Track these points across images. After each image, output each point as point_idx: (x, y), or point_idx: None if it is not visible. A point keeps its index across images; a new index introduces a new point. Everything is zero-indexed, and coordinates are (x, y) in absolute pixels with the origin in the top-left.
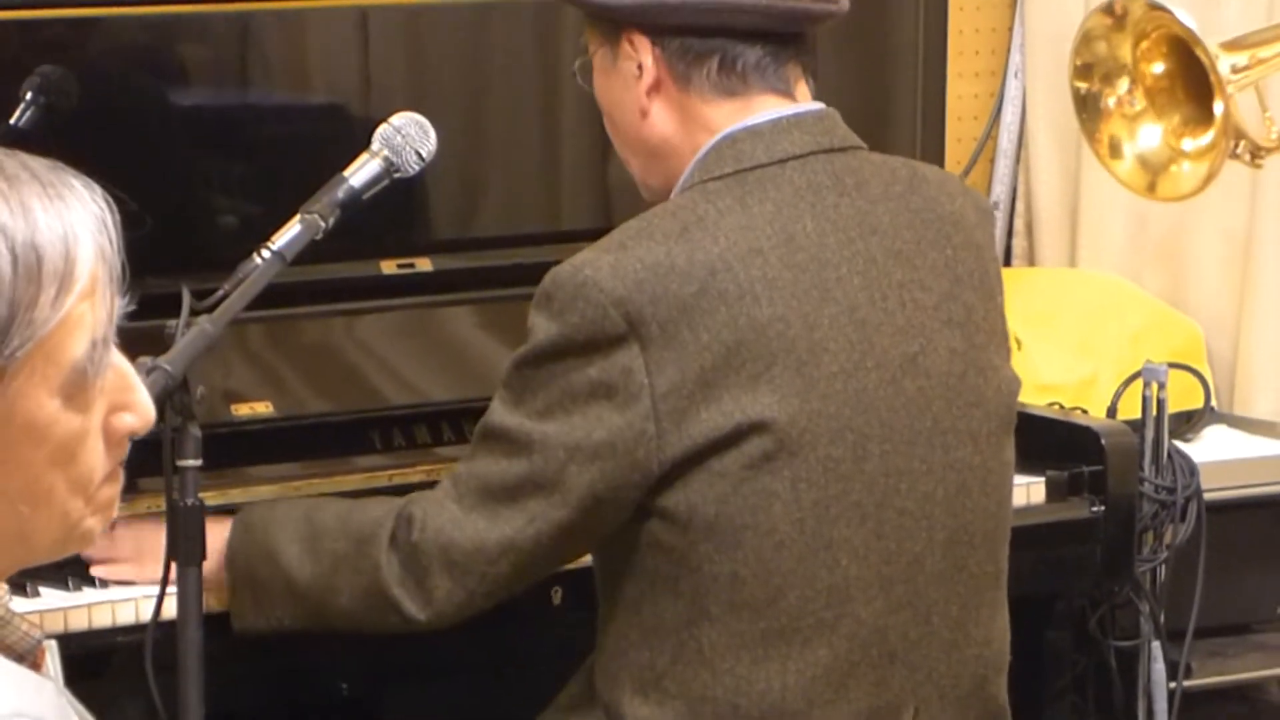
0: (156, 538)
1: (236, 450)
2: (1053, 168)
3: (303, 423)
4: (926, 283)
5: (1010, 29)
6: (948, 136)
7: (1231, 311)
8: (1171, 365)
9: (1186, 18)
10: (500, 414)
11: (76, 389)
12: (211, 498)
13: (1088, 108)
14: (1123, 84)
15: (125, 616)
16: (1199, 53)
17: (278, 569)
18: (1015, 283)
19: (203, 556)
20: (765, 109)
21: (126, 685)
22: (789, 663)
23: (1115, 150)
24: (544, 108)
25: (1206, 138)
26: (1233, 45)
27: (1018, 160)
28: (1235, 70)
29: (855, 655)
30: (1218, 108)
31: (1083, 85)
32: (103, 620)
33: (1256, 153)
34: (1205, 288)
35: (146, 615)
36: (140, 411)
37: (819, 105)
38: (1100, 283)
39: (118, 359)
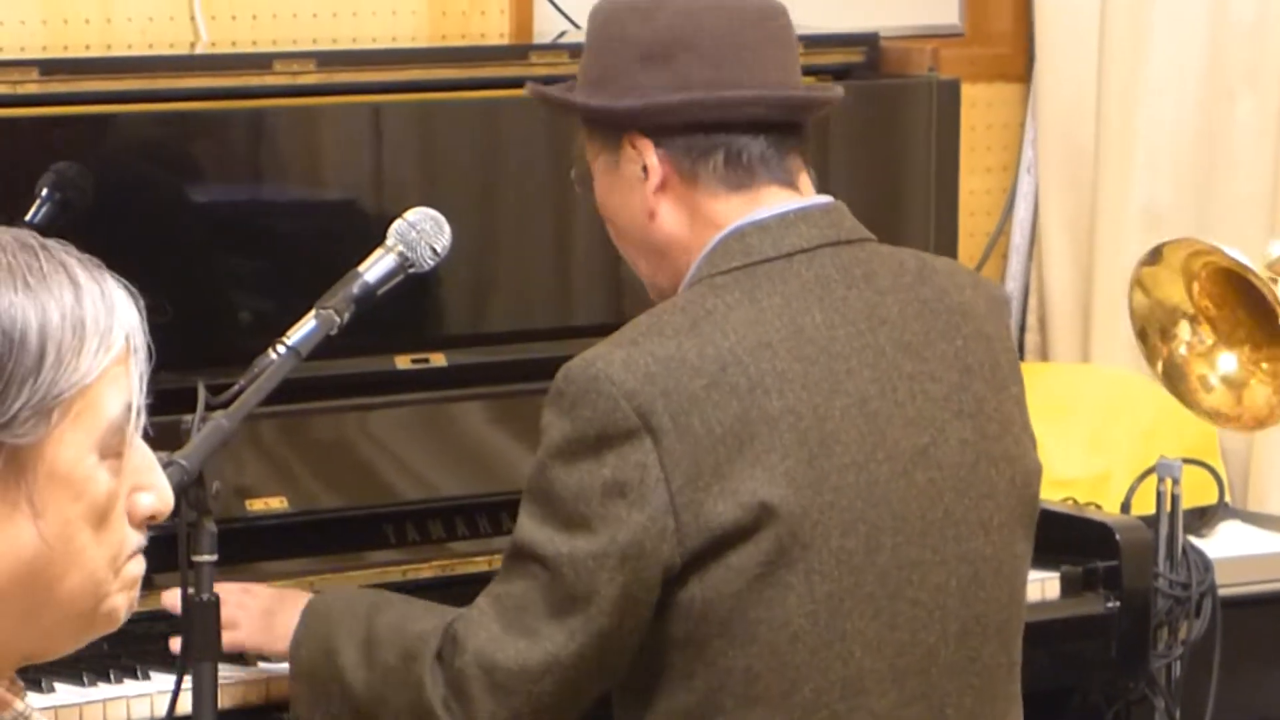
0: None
1: (251, 545)
2: (1065, 263)
3: (317, 518)
4: (936, 374)
5: (1022, 124)
6: (960, 231)
7: None
8: (1185, 461)
9: (1234, 252)
10: (529, 531)
11: (111, 450)
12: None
13: (1168, 373)
14: (1184, 328)
15: (140, 712)
16: (1254, 281)
17: (335, 669)
18: (1028, 378)
19: (217, 652)
20: (772, 201)
21: None
22: None
23: (1207, 387)
24: (555, 203)
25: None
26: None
27: (1030, 255)
28: None
29: None
30: None
31: (1154, 346)
32: (117, 715)
33: None
34: None
35: (161, 710)
36: (160, 494)
37: (826, 198)
38: (1114, 377)
39: (139, 442)
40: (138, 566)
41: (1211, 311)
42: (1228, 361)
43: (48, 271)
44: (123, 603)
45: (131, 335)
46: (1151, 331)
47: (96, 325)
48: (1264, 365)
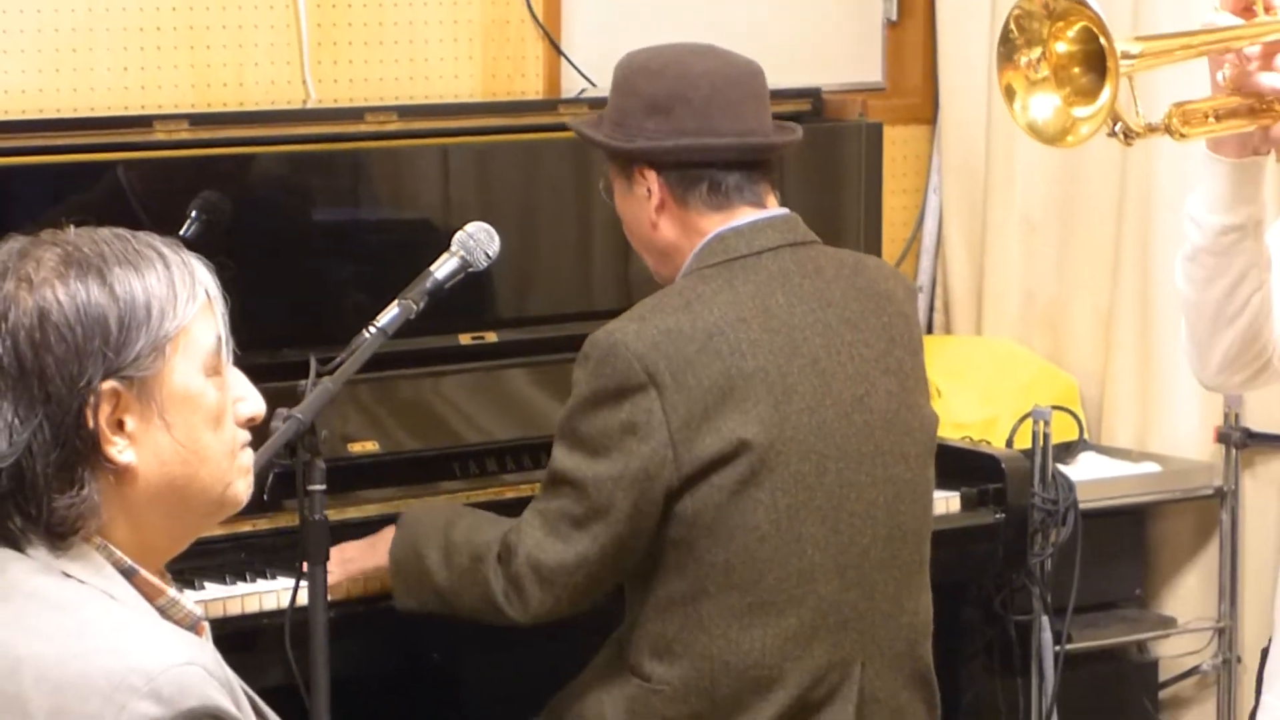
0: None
1: (351, 478)
2: (962, 261)
3: (400, 457)
4: (869, 342)
5: (930, 157)
6: (884, 238)
7: (1099, 367)
8: (1054, 407)
9: (1096, 5)
10: (561, 460)
11: (212, 369)
12: (333, 514)
13: (1006, 47)
14: (1035, 51)
15: (269, 604)
16: (1101, 36)
17: (423, 567)
18: (936, 347)
19: (326, 557)
20: (745, 215)
21: (269, 657)
22: (768, 629)
23: (1009, 94)
24: (579, 217)
25: (1092, 108)
26: (1139, 39)
27: (937, 255)
28: (1126, 56)
29: (817, 622)
30: (1105, 93)
31: (1012, 32)
32: (252, 607)
33: (1129, 134)
34: (1079, 349)
35: (284, 603)
36: (253, 400)
37: (785, 210)
38: (1000, 347)
39: (232, 367)
40: (248, 457)
41: (1055, 57)
42: (1042, 102)
43: (141, 250)
44: (242, 487)
45: (209, 288)
46: (1021, 37)
47: (185, 284)
48: (1074, 109)
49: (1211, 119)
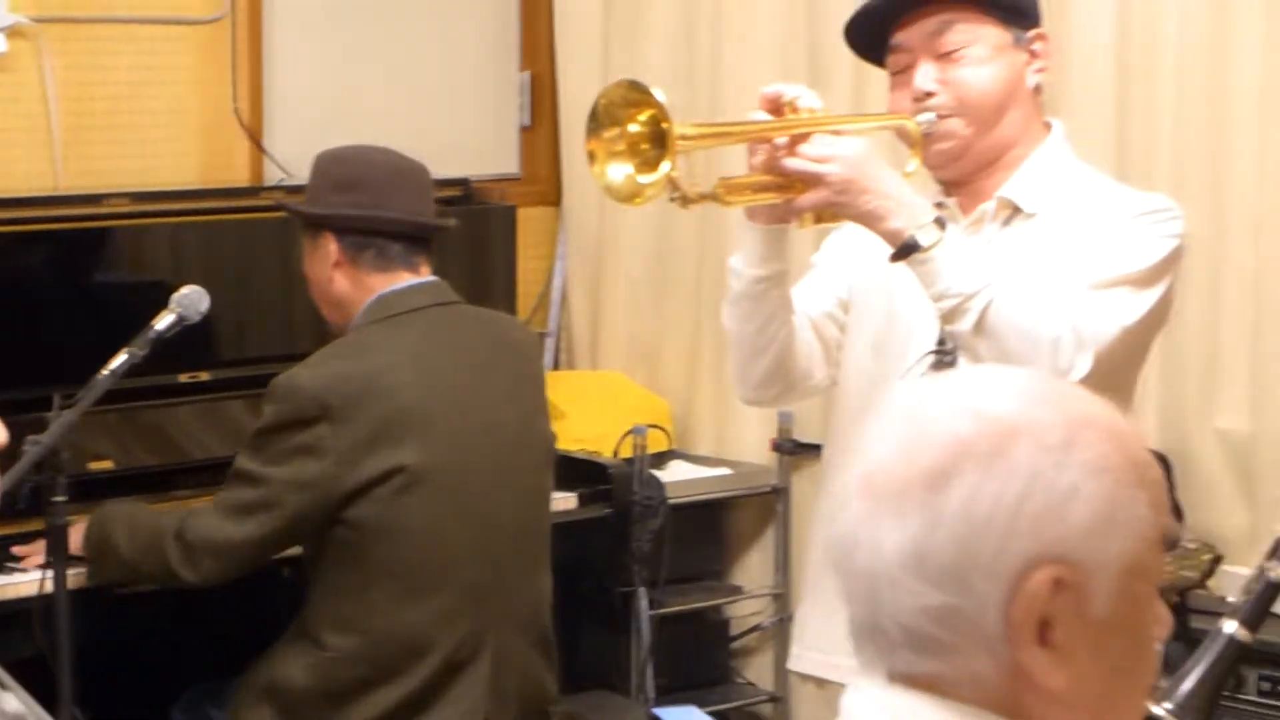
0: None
1: (92, 490)
2: (582, 311)
3: (131, 472)
4: (500, 380)
5: (556, 232)
6: (521, 293)
7: (685, 393)
8: (650, 426)
9: (661, 94)
10: (244, 462)
11: None
12: (77, 519)
13: (593, 123)
14: (615, 130)
15: (27, 591)
16: (664, 121)
17: (111, 544)
18: (561, 380)
19: (68, 553)
20: (404, 280)
21: (21, 633)
22: (422, 607)
23: (592, 159)
24: (277, 281)
25: (654, 177)
26: (696, 124)
27: (562, 308)
28: (684, 138)
29: (461, 600)
30: (665, 165)
31: (599, 112)
32: (10, 595)
33: (686, 200)
34: (670, 379)
35: (31, 592)
36: None
37: (436, 278)
38: (610, 378)
39: None
40: None
41: (630, 136)
42: (616, 170)
43: None
44: None
45: None
46: (606, 114)
47: None
48: (640, 178)
49: (749, 192)
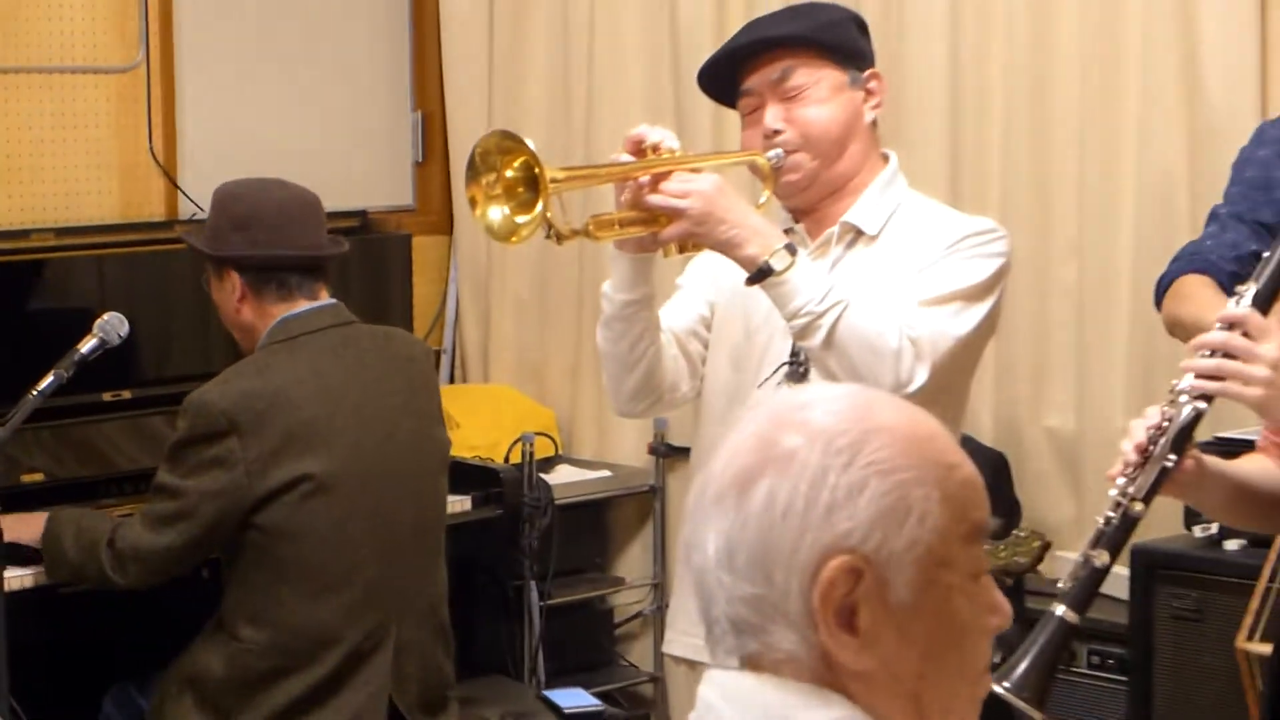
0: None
1: (24, 500)
2: (474, 329)
3: (60, 483)
4: (396, 392)
5: (449, 257)
6: (416, 314)
7: (570, 403)
8: (537, 433)
9: (532, 143)
10: (163, 476)
11: None
12: (9, 527)
13: (471, 170)
14: (492, 175)
15: None
16: (536, 166)
17: (61, 551)
18: (456, 393)
19: (4, 559)
20: (303, 305)
21: None
22: (329, 603)
23: (473, 203)
24: (192, 307)
25: (529, 217)
26: (564, 169)
27: (455, 326)
28: (555, 181)
29: (366, 596)
30: (539, 206)
31: (476, 160)
32: None
33: (559, 236)
34: (556, 391)
35: None
36: None
37: (333, 300)
38: (501, 391)
39: None
40: None
41: (505, 181)
42: (495, 211)
43: None
44: None
45: None
46: (484, 163)
47: None
48: (517, 218)
49: (618, 227)
